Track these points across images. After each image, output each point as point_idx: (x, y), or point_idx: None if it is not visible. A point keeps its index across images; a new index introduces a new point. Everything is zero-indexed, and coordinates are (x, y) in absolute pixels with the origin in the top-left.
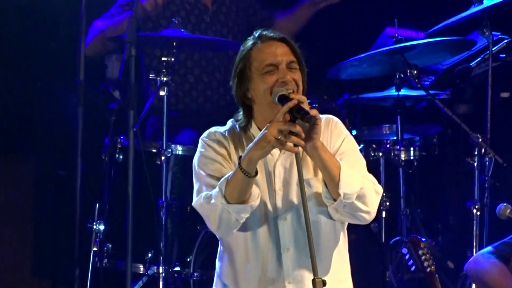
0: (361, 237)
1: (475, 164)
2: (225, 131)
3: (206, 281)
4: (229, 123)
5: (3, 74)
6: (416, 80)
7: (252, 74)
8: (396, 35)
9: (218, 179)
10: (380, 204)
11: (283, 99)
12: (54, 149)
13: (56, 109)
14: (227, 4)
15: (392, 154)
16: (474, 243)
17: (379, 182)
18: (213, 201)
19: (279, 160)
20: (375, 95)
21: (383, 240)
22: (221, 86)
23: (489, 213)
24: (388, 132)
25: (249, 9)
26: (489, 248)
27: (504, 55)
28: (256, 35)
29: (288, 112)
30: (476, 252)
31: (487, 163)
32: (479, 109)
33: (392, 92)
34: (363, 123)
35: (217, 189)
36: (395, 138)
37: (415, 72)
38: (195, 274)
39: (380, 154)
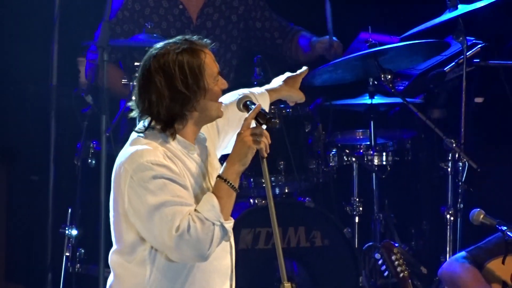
0: (334, 242)
1: (449, 169)
2: (160, 149)
3: None
4: (144, 140)
5: None
6: (390, 85)
7: (207, 84)
8: (370, 39)
9: (185, 202)
10: (353, 209)
11: (249, 105)
12: (26, 154)
13: (29, 113)
14: (214, 18)
15: (365, 159)
16: (448, 248)
17: (352, 188)
18: (208, 222)
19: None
20: (348, 102)
21: (356, 245)
22: None
23: (463, 218)
24: (361, 137)
25: (250, 13)
26: (462, 253)
27: (478, 60)
28: (199, 42)
29: (254, 118)
30: (449, 257)
31: (460, 168)
32: (453, 114)
33: (366, 99)
34: (336, 128)
35: (209, 207)
36: (368, 143)
37: (389, 76)
38: None
39: (353, 159)
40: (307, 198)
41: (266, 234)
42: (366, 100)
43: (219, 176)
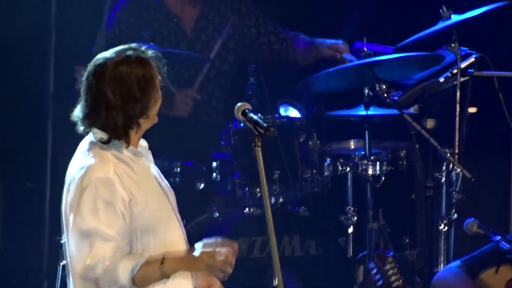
0: (328, 251)
1: (443, 179)
2: (112, 163)
3: None
4: (99, 150)
5: None
6: (385, 95)
7: (157, 92)
8: (365, 49)
9: (109, 237)
10: (348, 219)
11: (248, 113)
12: (23, 161)
13: (25, 120)
14: (208, 31)
15: (360, 169)
16: (441, 258)
17: (347, 197)
18: (119, 275)
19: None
20: (343, 112)
21: (350, 255)
22: None
23: (456, 228)
24: (355, 147)
25: (245, 21)
26: (457, 262)
27: (472, 70)
28: (149, 52)
29: (252, 126)
30: (443, 267)
31: (454, 178)
32: (447, 124)
33: (361, 110)
34: (331, 138)
35: (129, 267)
36: (363, 153)
37: (384, 86)
38: None
39: (348, 168)
40: (302, 207)
41: (261, 243)
42: (361, 111)
43: (163, 256)
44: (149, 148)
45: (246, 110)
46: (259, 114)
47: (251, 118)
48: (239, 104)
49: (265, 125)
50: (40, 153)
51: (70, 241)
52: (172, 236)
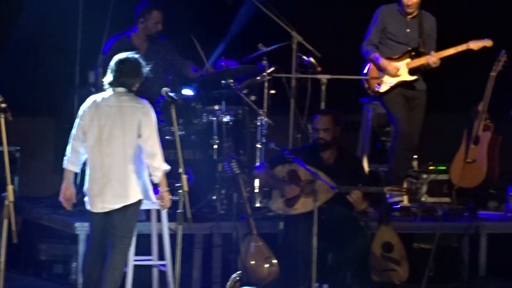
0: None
1: (258, 123)
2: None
3: None
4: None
5: None
6: (232, 85)
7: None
8: (223, 64)
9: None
10: (214, 142)
11: (168, 92)
12: None
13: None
14: (152, 57)
15: (219, 118)
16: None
17: (213, 133)
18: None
19: None
20: (215, 92)
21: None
22: None
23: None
24: (219, 108)
25: (168, 54)
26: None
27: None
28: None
29: (170, 98)
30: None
31: (264, 121)
32: (261, 98)
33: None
34: (206, 103)
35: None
36: (221, 110)
37: (232, 81)
38: None
39: (214, 118)
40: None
41: None
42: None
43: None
44: None
45: (168, 92)
46: (173, 93)
47: (169, 95)
48: (164, 88)
49: (175, 98)
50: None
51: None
52: None
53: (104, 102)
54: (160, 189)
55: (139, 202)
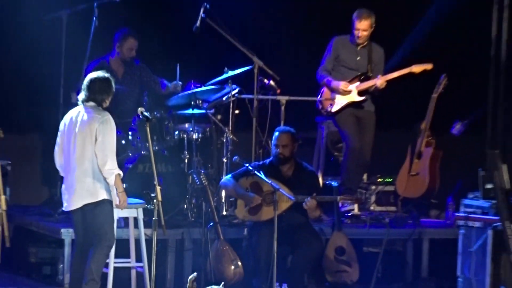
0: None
1: (224, 140)
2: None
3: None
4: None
5: None
6: (200, 104)
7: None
8: (192, 86)
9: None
10: (184, 157)
11: (143, 112)
12: None
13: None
14: (128, 79)
15: (190, 135)
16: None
17: (184, 148)
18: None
19: None
20: (186, 112)
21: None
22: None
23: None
24: (189, 126)
25: (143, 75)
26: (230, 175)
27: (236, 95)
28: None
29: (144, 118)
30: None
31: (229, 139)
32: (227, 117)
33: (192, 110)
34: (177, 122)
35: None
36: (191, 128)
37: (201, 101)
38: None
39: (185, 135)
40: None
41: None
42: (192, 111)
43: None
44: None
45: (144, 111)
46: (148, 112)
47: (144, 115)
48: (140, 108)
49: (149, 117)
50: None
51: None
52: None
53: (76, 116)
54: (116, 191)
55: (105, 201)
